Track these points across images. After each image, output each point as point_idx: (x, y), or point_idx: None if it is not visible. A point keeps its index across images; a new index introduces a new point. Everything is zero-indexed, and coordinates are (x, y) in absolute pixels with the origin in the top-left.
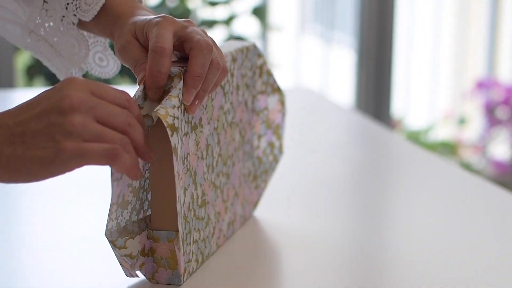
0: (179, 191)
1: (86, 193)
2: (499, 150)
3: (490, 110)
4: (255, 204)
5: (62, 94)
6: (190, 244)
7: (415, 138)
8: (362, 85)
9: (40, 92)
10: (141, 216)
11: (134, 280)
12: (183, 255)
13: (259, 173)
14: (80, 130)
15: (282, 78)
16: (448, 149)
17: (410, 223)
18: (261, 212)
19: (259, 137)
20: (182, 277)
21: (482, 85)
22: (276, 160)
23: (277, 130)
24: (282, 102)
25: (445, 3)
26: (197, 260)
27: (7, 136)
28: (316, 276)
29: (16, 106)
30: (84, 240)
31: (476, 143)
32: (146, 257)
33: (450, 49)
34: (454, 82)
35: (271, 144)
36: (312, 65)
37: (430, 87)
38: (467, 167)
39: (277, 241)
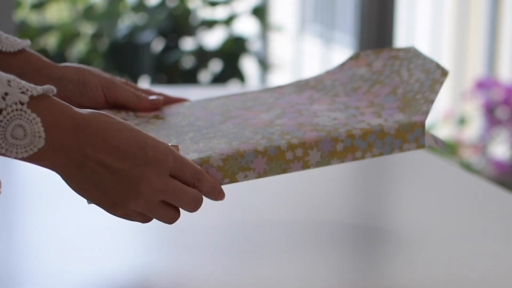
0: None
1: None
2: (499, 150)
3: (490, 110)
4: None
5: (143, 174)
6: None
7: None
8: None
9: (137, 142)
10: None
11: (132, 280)
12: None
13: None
14: (140, 212)
15: (282, 78)
16: (448, 149)
17: (409, 223)
18: (261, 212)
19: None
20: None
21: (482, 85)
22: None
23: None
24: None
25: (445, 3)
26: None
27: (78, 161)
28: (316, 276)
29: (100, 138)
30: (81, 240)
31: (476, 143)
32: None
33: (450, 49)
34: (454, 82)
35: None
36: (312, 65)
37: None
38: (467, 167)
39: (277, 240)
